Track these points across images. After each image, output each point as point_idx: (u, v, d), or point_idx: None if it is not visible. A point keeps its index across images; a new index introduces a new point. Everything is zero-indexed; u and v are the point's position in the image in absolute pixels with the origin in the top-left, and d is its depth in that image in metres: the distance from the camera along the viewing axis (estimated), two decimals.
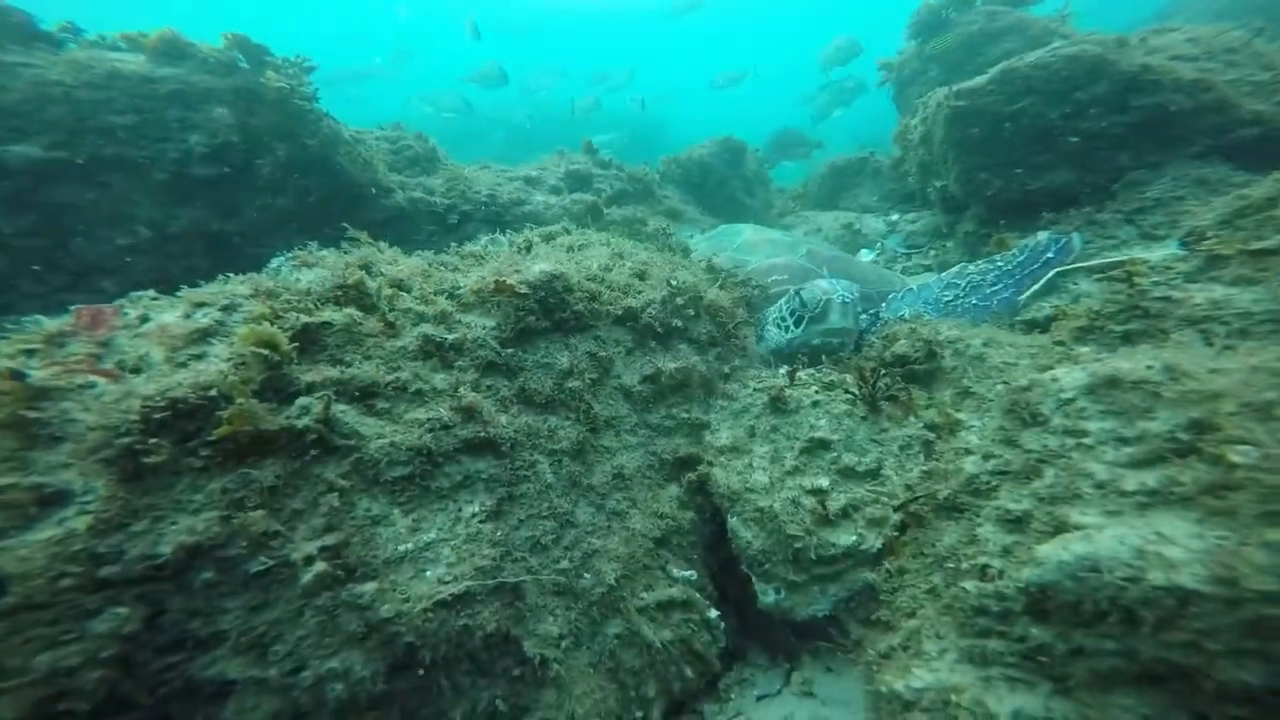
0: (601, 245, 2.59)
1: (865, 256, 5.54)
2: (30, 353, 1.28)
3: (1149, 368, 1.31)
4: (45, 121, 3.48)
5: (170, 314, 1.39)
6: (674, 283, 2.24)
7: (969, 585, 1.44)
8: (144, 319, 1.38)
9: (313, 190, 4.08)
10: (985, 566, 1.44)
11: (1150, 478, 1.31)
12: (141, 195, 3.78)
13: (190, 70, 3.70)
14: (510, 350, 1.83)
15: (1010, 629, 1.38)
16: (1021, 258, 3.61)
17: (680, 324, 2.21)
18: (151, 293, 1.51)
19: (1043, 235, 3.79)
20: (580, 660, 1.59)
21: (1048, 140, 4.15)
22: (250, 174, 3.88)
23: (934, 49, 6.89)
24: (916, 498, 1.71)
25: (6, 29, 3.62)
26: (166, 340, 1.29)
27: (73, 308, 1.37)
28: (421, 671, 1.31)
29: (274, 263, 1.96)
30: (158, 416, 1.14)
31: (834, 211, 6.47)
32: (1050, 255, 3.60)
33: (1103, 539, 1.27)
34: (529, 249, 2.29)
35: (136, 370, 1.26)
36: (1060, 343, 2.00)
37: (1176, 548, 1.20)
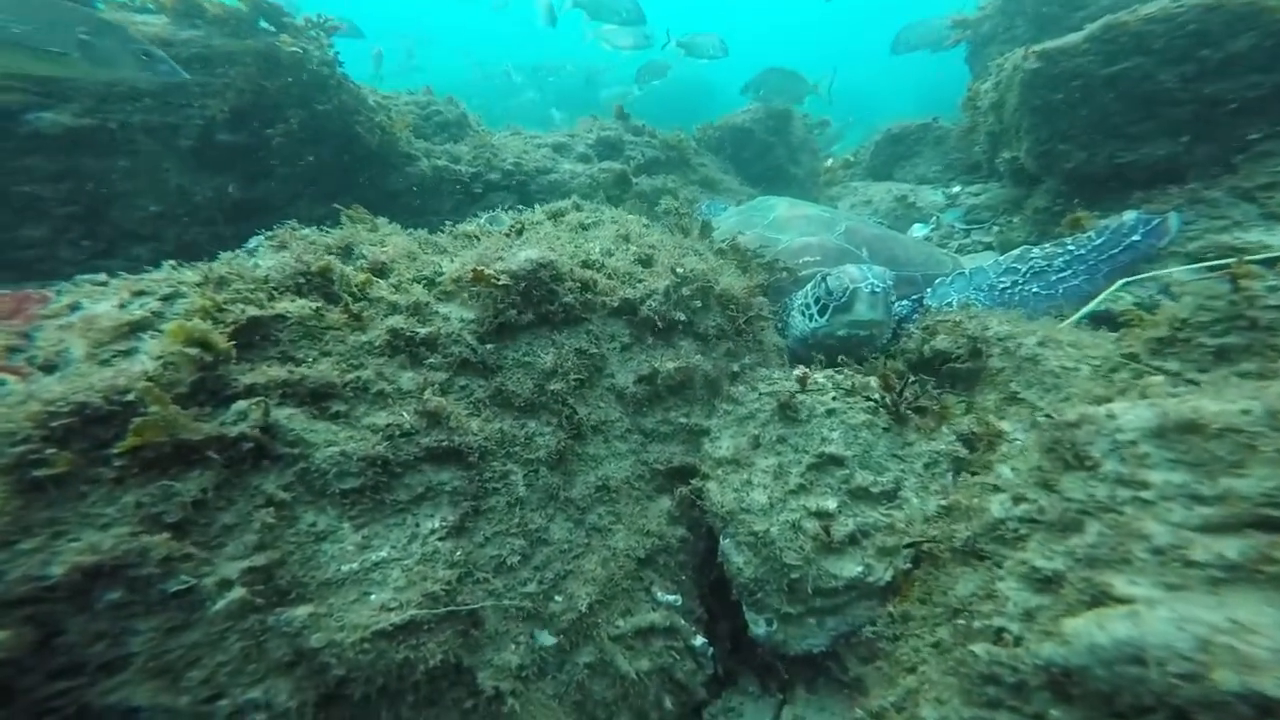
0: (610, 224, 2.38)
1: (918, 232, 5.10)
2: None
3: (1244, 412, 1.03)
4: (74, 88, 3.50)
5: (104, 303, 1.30)
6: (680, 270, 2.02)
7: (979, 649, 1.22)
8: (74, 307, 1.30)
9: (332, 158, 4.01)
10: (1002, 630, 1.22)
11: (1230, 547, 1.04)
12: (170, 162, 3.79)
13: (210, 32, 3.63)
14: (489, 346, 1.67)
15: (1024, 704, 1.16)
16: (1099, 240, 3.13)
17: (684, 317, 1.99)
18: (103, 276, 1.43)
19: (1129, 215, 3.28)
20: (543, 692, 1.47)
21: (1153, 107, 3.59)
22: (270, 141, 3.83)
23: None
24: (930, 539, 1.48)
25: None
26: (91, 334, 1.20)
27: None
28: (355, 704, 1.21)
29: (252, 242, 1.85)
30: (60, 423, 1.04)
31: (887, 183, 5.97)
32: (1137, 239, 3.11)
33: (1153, 620, 1.02)
34: (520, 232, 2.11)
35: (50, 367, 1.18)
36: (1131, 355, 1.68)
37: (1260, 641, 0.94)
